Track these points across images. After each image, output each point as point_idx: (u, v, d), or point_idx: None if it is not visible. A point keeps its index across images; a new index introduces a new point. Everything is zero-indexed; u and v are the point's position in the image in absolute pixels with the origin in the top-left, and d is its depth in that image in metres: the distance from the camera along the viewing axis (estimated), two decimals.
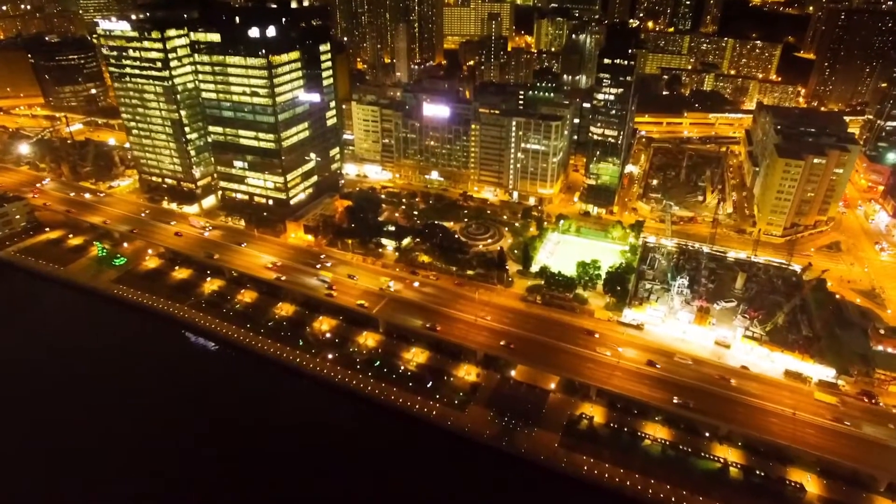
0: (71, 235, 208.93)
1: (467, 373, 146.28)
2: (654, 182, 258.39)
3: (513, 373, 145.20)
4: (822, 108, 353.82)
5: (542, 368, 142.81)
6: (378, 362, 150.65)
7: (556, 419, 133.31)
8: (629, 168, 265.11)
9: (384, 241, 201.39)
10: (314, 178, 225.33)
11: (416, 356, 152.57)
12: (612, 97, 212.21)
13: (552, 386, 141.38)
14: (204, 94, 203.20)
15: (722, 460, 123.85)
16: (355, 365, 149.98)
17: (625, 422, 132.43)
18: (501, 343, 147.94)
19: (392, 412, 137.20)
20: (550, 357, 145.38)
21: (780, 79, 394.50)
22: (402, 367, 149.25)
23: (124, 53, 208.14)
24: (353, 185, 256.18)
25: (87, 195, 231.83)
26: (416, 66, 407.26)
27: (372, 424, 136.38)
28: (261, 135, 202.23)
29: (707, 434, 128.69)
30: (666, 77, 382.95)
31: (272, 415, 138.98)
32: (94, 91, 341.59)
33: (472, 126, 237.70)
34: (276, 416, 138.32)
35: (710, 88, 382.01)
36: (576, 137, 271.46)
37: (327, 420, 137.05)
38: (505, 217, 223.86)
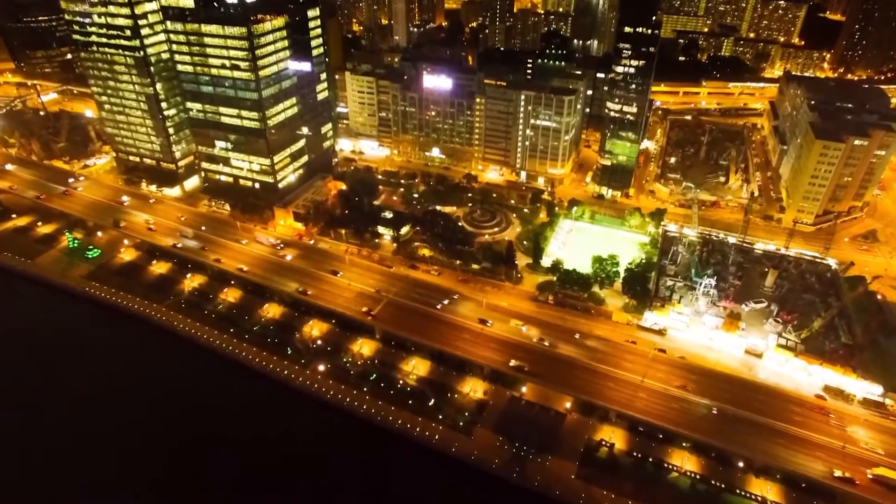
0: (40, 223, 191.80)
1: (473, 389, 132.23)
2: (672, 160, 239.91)
3: (524, 389, 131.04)
4: (850, 76, 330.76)
5: (557, 389, 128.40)
6: (374, 375, 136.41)
7: (573, 445, 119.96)
8: (644, 144, 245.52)
9: (381, 229, 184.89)
10: (304, 159, 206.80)
11: (415, 368, 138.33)
12: (632, 70, 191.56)
13: (568, 406, 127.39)
14: (179, 67, 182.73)
15: (759, 499, 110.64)
16: (349, 378, 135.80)
17: (648, 449, 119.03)
18: (512, 364, 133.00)
19: (390, 435, 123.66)
20: (566, 374, 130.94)
21: (803, 43, 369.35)
22: (401, 381, 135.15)
23: (89, 19, 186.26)
24: (348, 162, 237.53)
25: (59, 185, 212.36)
26: (416, 29, 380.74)
27: (368, 449, 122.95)
28: (244, 112, 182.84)
29: (741, 465, 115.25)
30: (682, 42, 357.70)
31: (255, 433, 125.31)
32: (69, 56, 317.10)
33: (477, 99, 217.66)
34: (260, 436, 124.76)
35: (728, 54, 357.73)
36: (587, 110, 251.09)
37: (317, 441, 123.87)
38: (512, 201, 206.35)
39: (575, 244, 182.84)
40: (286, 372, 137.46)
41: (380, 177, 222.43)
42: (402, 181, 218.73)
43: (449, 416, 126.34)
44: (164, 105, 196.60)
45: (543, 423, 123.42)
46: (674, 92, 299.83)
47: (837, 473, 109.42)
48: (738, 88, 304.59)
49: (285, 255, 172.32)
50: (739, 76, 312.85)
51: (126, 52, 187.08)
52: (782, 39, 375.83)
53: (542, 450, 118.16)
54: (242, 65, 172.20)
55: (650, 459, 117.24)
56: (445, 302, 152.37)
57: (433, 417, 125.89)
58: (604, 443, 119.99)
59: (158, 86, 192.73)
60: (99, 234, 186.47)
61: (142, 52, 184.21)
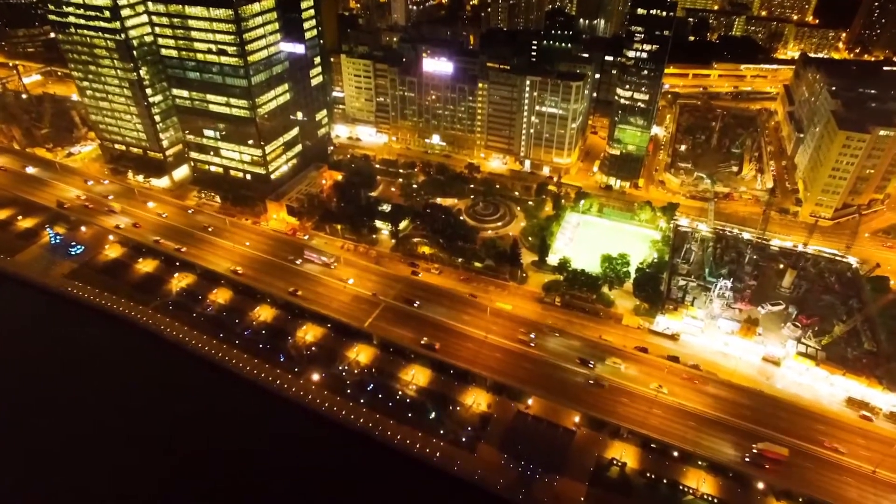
0: (21, 217, 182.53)
1: (476, 402, 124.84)
2: (683, 148, 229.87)
3: (530, 402, 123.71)
4: (867, 57, 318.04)
5: (566, 404, 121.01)
6: (371, 385, 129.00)
7: (582, 462, 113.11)
8: (653, 130, 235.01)
9: (379, 223, 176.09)
10: (298, 148, 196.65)
11: (415, 377, 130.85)
12: (644, 55, 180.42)
13: (576, 419, 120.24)
14: (163, 52, 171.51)
15: None
16: (345, 389, 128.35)
17: (662, 468, 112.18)
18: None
19: (388, 451, 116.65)
20: (574, 387, 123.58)
21: (817, 21, 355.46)
22: (400, 392, 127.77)
23: None
24: (345, 149, 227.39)
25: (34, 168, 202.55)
26: (415, 7, 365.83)
27: (365, 465, 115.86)
28: (232, 100, 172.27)
29: (761, 486, 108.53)
30: (692, 21, 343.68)
31: (244, 447, 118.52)
32: (53, 35, 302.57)
33: (479, 84, 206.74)
34: (249, 450, 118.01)
35: (740, 33, 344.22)
36: (594, 95, 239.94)
37: (310, 457, 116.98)
38: (517, 193, 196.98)
39: (582, 240, 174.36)
40: (278, 381, 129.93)
41: (377, 166, 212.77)
42: (401, 171, 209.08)
43: (451, 430, 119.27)
44: (149, 91, 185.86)
45: (551, 441, 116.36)
46: (683, 74, 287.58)
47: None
48: (751, 70, 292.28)
49: (343, 276, 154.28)
50: (752, 57, 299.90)
51: (106, 35, 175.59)
52: (796, 18, 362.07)
53: (550, 469, 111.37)
54: (230, 49, 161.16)
55: (664, 480, 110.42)
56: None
57: (434, 432, 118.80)
58: (615, 462, 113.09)
59: (142, 71, 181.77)
60: (83, 228, 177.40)
61: (123, 35, 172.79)
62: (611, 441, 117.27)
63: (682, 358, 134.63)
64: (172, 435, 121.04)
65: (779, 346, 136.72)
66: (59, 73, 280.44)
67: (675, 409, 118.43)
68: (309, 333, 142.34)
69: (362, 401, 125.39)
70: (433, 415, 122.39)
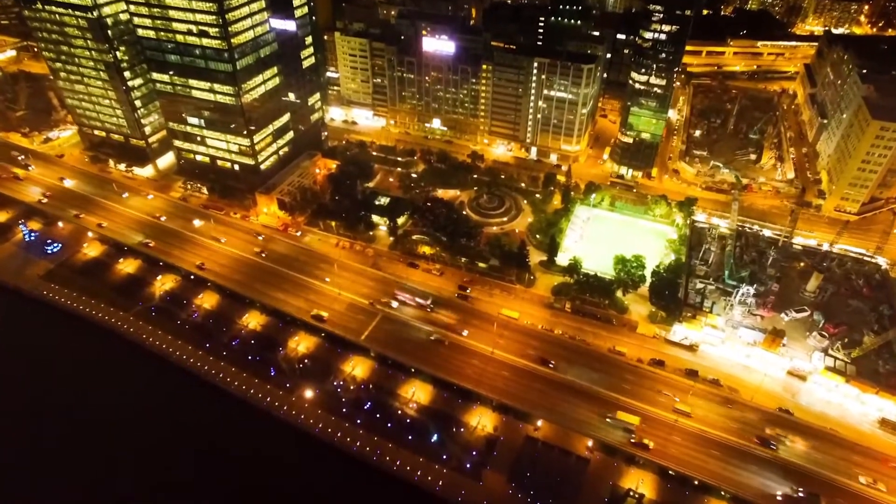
0: None
1: (481, 424, 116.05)
2: (697, 133, 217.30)
3: (539, 423, 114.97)
4: (892, 31, 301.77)
5: (579, 432, 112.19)
6: (369, 404, 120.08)
7: (596, 493, 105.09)
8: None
9: (376, 218, 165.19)
10: (289, 135, 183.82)
11: (416, 394, 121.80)
12: (662, 36, 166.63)
13: (589, 444, 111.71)
14: (140, 33, 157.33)
15: None
16: (340, 407, 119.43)
17: (682, 499, 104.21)
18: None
19: (388, 478, 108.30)
20: (589, 407, 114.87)
21: None
22: (400, 411, 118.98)
23: None
24: (340, 134, 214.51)
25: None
26: None
27: (361, 494, 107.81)
28: (216, 86, 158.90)
29: None
30: None
31: (230, 471, 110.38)
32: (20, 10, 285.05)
33: (483, 66, 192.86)
34: (237, 474, 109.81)
35: (756, 7, 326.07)
36: (605, 75, 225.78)
37: (302, 482, 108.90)
38: (523, 184, 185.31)
39: (593, 237, 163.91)
40: (269, 398, 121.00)
41: (374, 153, 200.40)
42: (400, 158, 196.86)
43: (454, 455, 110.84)
44: (127, 75, 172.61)
45: (563, 469, 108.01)
46: (696, 52, 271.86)
47: None
48: (768, 48, 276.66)
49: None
50: (769, 33, 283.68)
51: (77, 13, 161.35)
52: None
53: (561, 500, 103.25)
54: (212, 31, 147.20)
55: None
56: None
57: (437, 457, 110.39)
58: (631, 493, 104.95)
59: (119, 52, 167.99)
60: (60, 224, 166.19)
61: (95, 13, 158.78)
62: (626, 468, 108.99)
63: (701, 371, 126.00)
64: (152, 457, 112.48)
65: (805, 359, 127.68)
66: (36, 49, 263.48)
67: (695, 435, 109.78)
68: (301, 344, 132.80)
69: (359, 421, 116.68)
70: (435, 437, 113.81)
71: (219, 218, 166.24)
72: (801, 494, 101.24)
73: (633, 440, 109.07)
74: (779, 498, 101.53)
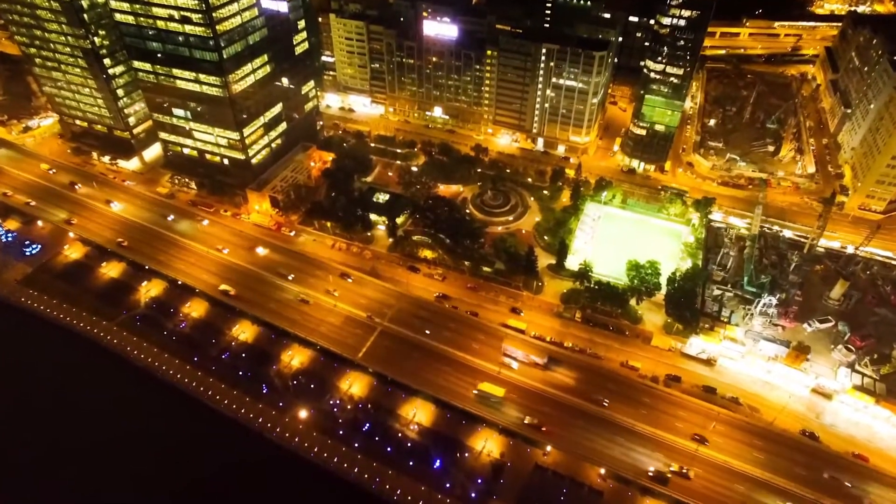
0: None
1: (487, 449, 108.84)
2: (712, 122, 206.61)
3: (549, 448, 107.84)
4: None
5: (593, 460, 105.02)
6: (367, 425, 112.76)
7: None
8: None
9: (374, 217, 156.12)
10: (282, 127, 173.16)
11: (417, 414, 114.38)
12: (682, 22, 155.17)
13: (602, 471, 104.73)
14: (118, 18, 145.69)
15: None
16: (337, 429, 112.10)
17: None
18: (527, 421, 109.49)
19: None
20: (602, 434, 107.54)
21: None
22: (400, 434, 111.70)
23: None
24: (336, 122, 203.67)
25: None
26: None
27: None
28: (202, 76, 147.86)
29: None
30: None
31: (220, 496, 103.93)
32: None
33: (488, 51, 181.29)
34: (225, 500, 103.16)
35: None
36: (615, 60, 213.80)
37: None
38: (529, 179, 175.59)
39: (604, 237, 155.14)
40: (261, 419, 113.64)
41: (373, 144, 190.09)
42: (399, 150, 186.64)
43: (458, 483, 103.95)
44: (107, 62, 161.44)
45: (574, 501, 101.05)
46: (710, 33, 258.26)
47: None
48: (786, 28, 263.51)
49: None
50: (787, 13, 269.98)
51: None
52: None
53: None
54: (195, 17, 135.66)
55: None
56: None
57: (439, 485, 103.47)
58: None
59: (98, 38, 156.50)
60: (39, 223, 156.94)
61: None
62: (641, 497, 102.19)
63: (720, 388, 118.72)
64: (136, 480, 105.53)
65: (829, 374, 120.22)
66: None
67: (719, 467, 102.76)
68: (295, 358, 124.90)
69: (357, 444, 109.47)
70: (438, 463, 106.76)
71: (209, 216, 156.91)
72: None
73: (671, 469, 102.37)
74: None
